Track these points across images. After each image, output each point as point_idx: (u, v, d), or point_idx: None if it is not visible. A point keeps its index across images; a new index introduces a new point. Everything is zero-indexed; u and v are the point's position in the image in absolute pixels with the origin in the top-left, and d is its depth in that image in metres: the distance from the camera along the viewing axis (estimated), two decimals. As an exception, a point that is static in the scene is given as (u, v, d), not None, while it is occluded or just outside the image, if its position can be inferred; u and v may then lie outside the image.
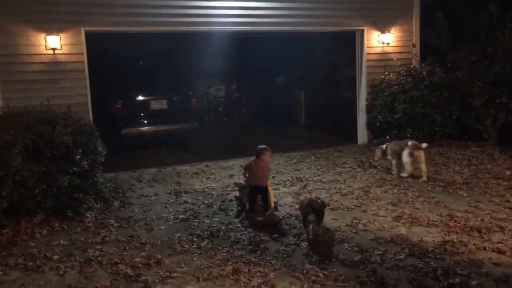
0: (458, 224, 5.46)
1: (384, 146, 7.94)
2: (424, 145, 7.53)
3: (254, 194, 5.86)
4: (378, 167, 8.39)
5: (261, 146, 6.02)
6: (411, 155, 7.46)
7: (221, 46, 12.37)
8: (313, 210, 5.02)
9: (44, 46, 7.96)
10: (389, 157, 7.83)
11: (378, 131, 10.44)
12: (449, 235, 5.17)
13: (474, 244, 4.88)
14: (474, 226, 5.36)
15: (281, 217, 5.90)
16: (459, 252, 4.75)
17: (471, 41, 10.90)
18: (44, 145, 5.80)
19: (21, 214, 5.73)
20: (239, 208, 6.14)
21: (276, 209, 6.01)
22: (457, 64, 10.43)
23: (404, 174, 7.63)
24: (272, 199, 5.99)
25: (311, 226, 4.80)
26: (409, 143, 7.58)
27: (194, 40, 12.84)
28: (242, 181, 6.55)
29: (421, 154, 7.47)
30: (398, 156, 7.64)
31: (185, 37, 11.70)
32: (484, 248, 4.80)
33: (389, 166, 8.00)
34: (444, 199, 6.48)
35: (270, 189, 5.99)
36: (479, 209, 6.03)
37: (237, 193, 6.48)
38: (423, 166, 7.50)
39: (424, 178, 7.44)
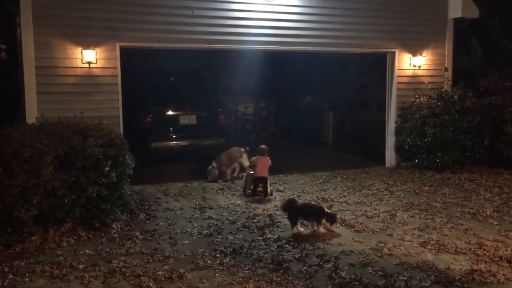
0: (487, 253, 5.31)
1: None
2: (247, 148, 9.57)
3: (257, 183, 7.76)
4: (405, 190, 8.28)
5: (263, 146, 7.98)
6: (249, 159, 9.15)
7: (252, 64, 12.48)
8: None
9: (80, 60, 8.18)
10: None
11: (406, 154, 10.30)
12: (477, 264, 5.03)
13: (503, 275, 4.74)
14: (504, 256, 5.21)
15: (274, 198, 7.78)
16: (488, 282, 4.61)
17: (505, 66, 10.72)
18: (75, 155, 5.93)
19: (49, 223, 5.86)
20: (244, 193, 8.01)
21: (271, 194, 7.87)
22: (489, 89, 10.26)
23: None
24: (269, 187, 7.82)
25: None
26: (242, 149, 9.34)
27: (225, 57, 13.01)
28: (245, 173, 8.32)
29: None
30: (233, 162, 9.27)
31: (217, 54, 11.86)
32: (514, 279, 4.66)
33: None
34: (473, 226, 6.32)
35: (267, 180, 7.82)
36: (509, 239, 5.86)
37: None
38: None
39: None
